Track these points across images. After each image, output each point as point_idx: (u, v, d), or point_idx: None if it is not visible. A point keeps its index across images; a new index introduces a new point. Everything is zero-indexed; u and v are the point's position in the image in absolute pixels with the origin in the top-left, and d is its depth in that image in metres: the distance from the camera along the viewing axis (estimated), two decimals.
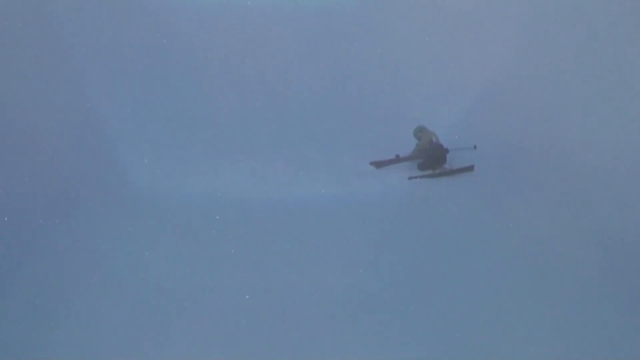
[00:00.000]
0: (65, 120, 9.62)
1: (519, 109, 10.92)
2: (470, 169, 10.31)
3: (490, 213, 9.23)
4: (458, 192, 9.82)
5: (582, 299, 7.45)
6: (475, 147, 10.59)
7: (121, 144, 9.97)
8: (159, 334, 6.65)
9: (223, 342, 6.58)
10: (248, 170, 10.15)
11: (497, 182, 9.92)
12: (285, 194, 9.65)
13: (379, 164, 10.45)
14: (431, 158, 10.37)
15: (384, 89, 11.57)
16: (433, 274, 7.94)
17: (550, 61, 11.13)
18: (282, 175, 10.08)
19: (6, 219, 7.52)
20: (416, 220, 9.23)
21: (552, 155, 10.12)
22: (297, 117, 11.21)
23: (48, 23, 10.82)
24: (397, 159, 10.60)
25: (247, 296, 7.28)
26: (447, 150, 10.44)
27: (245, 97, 11.34)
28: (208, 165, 10.13)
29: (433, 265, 8.14)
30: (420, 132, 10.66)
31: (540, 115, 10.70)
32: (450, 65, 11.58)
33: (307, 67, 11.82)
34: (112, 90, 10.74)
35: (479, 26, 11.81)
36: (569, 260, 8.14)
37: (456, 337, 6.84)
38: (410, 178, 10.25)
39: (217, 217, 8.88)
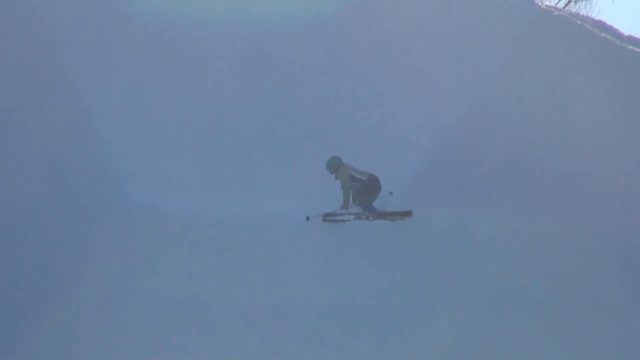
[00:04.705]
0: (60, 130, 9.45)
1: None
2: (409, 213, 9.24)
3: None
4: None
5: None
6: (391, 193, 9.80)
7: (117, 155, 9.92)
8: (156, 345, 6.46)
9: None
10: (243, 185, 10.14)
11: None
12: (280, 210, 9.52)
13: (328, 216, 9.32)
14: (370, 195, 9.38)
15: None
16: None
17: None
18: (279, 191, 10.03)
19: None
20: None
21: None
22: (298, 130, 11.33)
23: (45, 26, 10.82)
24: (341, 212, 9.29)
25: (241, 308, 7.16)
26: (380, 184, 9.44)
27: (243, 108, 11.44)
28: (203, 179, 10.15)
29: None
30: (337, 166, 9.45)
31: None
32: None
33: (311, 78, 11.97)
34: (107, 98, 10.79)
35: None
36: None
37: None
38: (326, 219, 9.09)
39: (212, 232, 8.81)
